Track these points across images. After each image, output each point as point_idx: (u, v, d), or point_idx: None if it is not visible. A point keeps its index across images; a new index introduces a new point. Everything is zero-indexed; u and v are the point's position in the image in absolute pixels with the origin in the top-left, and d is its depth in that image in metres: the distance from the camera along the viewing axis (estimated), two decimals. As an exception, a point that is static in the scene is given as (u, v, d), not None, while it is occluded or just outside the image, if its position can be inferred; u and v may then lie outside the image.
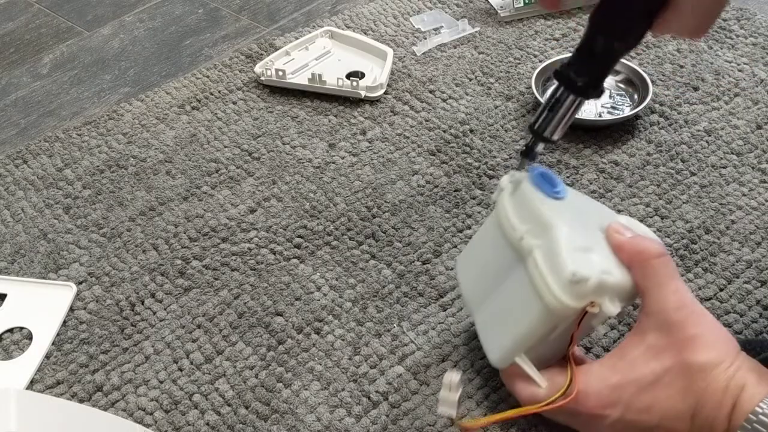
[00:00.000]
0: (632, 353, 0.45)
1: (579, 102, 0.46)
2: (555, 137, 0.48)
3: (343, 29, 0.91)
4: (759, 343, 0.53)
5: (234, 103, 0.83)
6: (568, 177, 0.71)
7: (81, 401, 0.56)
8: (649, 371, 0.44)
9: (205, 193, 0.72)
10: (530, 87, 0.78)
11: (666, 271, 0.44)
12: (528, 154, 0.49)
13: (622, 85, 0.80)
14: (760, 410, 0.40)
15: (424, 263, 0.64)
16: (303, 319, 0.60)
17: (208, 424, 0.54)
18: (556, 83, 0.47)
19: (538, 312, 0.44)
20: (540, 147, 0.49)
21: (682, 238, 0.64)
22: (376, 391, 0.55)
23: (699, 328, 0.43)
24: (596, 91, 0.46)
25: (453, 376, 0.48)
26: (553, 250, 0.44)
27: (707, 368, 0.42)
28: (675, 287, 0.44)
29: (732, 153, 0.72)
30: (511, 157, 0.73)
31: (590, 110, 0.77)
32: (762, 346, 0.51)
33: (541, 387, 0.47)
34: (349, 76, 0.83)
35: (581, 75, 0.45)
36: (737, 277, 0.61)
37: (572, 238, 0.44)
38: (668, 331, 0.44)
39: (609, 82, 0.80)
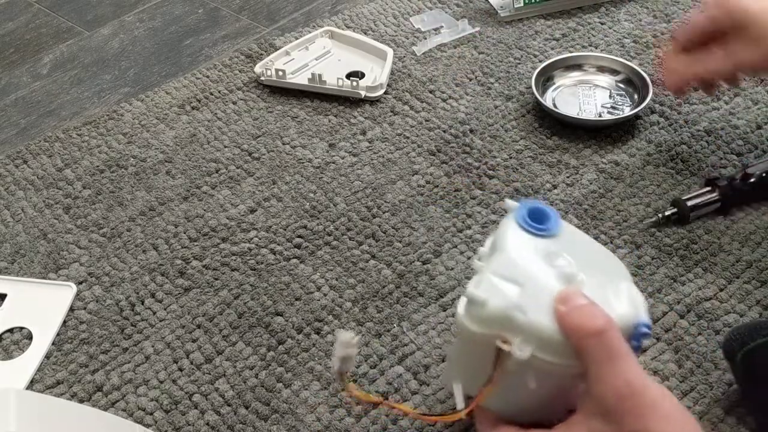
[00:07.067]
0: None
1: None
2: None
3: (343, 29, 0.91)
4: (749, 329, 0.51)
5: (234, 103, 0.83)
6: (568, 177, 0.71)
7: (81, 401, 0.56)
8: None
9: (205, 193, 0.72)
10: (530, 87, 0.78)
11: (605, 351, 0.39)
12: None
13: (622, 85, 0.80)
14: None
15: (424, 263, 0.64)
16: (303, 319, 0.60)
17: (208, 424, 0.54)
18: None
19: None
20: None
21: (682, 238, 0.64)
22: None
23: (644, 421, 0.39)
24: None
25: (348, 335, 0.44)
26: (480, 272, 0.42)
27: None
28: (616, 370, 0.39)
29: (732, 153, 0.72)
30: (510, 157, 0.73)
31: (590, 110, 0.77)
32: (752, 333, 0.50)
33: (459, 410, 0.44)
34: (349, 76, 0.83)
35: None
36: (737, 277, 0.61)
37: (508, 266, 0.41)
38: (610, 421, 0.40)
39: (609, 82, 0.80)
